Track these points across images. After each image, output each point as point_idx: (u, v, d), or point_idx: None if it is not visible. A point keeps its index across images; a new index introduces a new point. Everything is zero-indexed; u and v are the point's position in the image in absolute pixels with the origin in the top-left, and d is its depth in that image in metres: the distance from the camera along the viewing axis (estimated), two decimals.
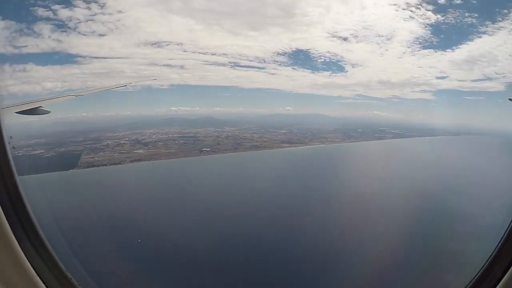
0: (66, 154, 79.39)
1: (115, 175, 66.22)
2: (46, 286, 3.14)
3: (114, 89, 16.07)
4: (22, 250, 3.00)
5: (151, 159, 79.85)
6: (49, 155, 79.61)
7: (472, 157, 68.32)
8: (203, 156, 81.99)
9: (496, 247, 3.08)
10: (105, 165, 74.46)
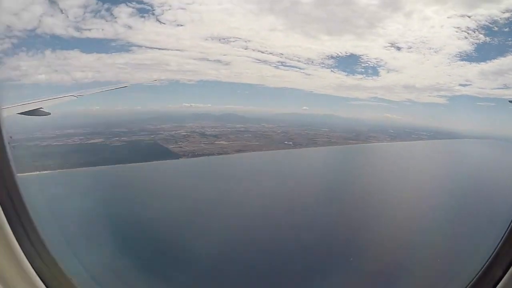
0: (141, 144, 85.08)
1: (245, 163, 73.19)
2: (46, 286, 3.14)
3: (115, 89, 16.09)
4: (22, 250, 3.00)
5: (239, 151, 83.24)
6: (120, 143, 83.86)
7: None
8: (301, 149, 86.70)
9: (496, 247, 3.08)
10: (208, 155, 78.69)
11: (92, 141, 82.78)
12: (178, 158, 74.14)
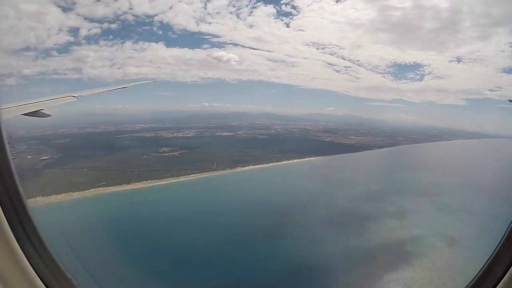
0: (281, 137, 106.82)
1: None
2: (46, 286, 3.14)
3: (114, 89, 16.04)
4: (22, 250, 2.99)
5: (391, 144, 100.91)
6: (262, 137, 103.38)
7: None
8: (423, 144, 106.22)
9: (496, 247, 3.08)
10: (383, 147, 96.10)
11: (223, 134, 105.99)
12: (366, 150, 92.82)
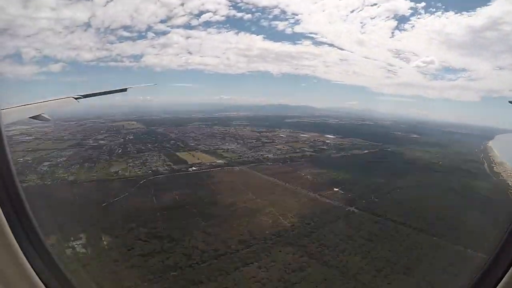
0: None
1: None
2: (46, 286, 3.14)
3: (114, 92, 16.07)
4: (22, 250, 3.00)
5: None
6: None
7: None
8: None
9: (497, 247, 3.07)
10: None
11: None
12: None
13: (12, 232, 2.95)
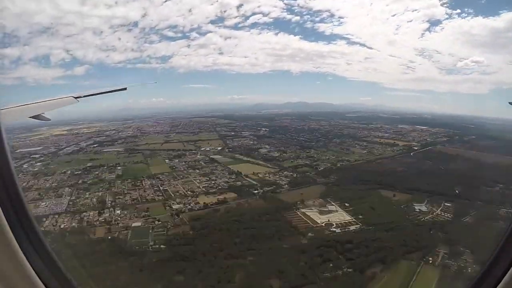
0: None
1: None
2: (46, 286, 3.13)
3: (113, 91, 16.06)
4: (22, 250, 2.99)
5: None
6: None
7: None
8: None
9: (497, 247, 3.07)
10: None
11: None
12: None
13: (12, 232, 2.95)
